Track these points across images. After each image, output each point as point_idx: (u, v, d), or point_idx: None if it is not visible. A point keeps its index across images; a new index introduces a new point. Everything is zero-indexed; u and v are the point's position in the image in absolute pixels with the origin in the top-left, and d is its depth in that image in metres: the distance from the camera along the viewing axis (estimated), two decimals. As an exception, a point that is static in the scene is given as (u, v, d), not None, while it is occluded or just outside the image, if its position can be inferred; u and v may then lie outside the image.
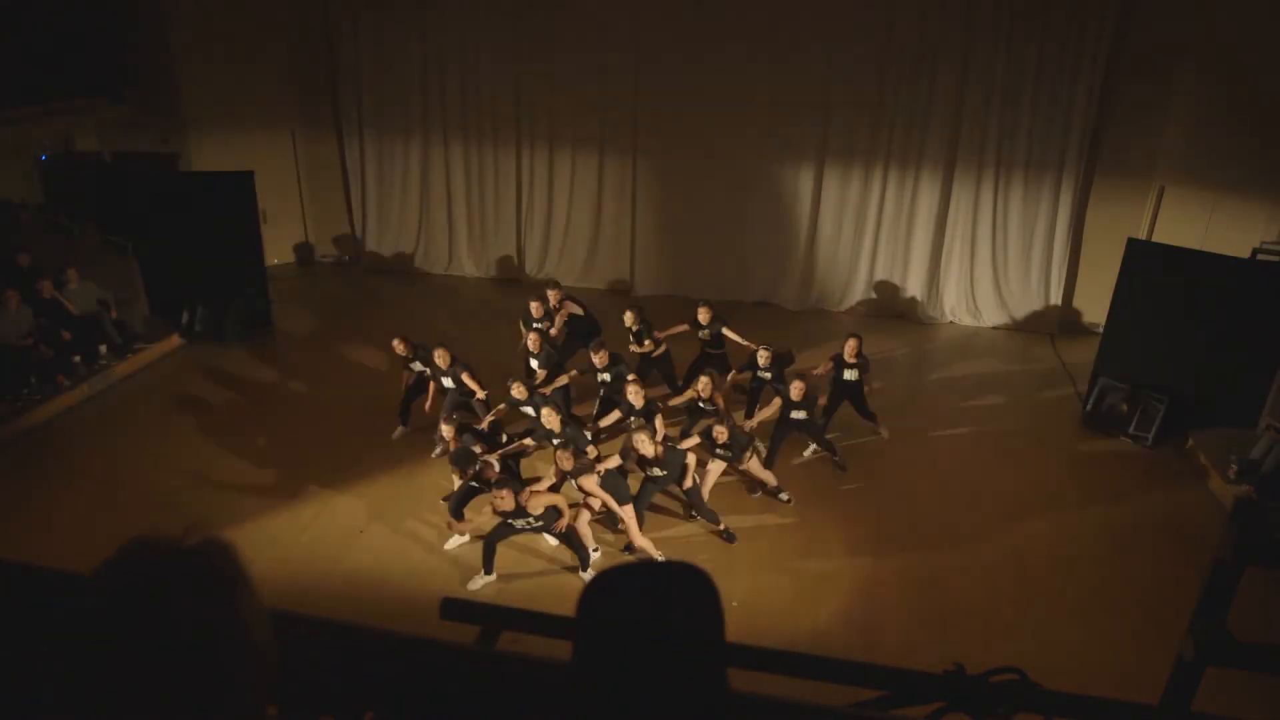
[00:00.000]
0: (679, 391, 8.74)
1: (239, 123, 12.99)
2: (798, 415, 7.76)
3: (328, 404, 9.50)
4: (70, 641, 0.93)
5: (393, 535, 7.23)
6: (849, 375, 8.36)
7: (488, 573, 6.64)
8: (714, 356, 9.05)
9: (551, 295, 9.38)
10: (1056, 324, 12.42)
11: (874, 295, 13.00)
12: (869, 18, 11.73)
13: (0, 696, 1.29)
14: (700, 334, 8.99)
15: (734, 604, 6.42)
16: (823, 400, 8.40)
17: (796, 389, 7.64)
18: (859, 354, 8.35)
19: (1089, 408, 9.56)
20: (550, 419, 7.24)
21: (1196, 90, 10.85)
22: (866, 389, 8.50)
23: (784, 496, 7.69)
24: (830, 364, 8.42)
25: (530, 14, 12.55)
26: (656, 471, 6.93)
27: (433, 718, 1.32)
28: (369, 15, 13.00)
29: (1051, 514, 7.81)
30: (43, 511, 7.36)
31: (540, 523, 6.44)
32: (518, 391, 7.79)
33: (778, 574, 6.88)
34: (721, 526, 7.23)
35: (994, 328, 12.60)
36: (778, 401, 7.79)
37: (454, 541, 7.04)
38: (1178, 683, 1.34)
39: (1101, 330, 9.98)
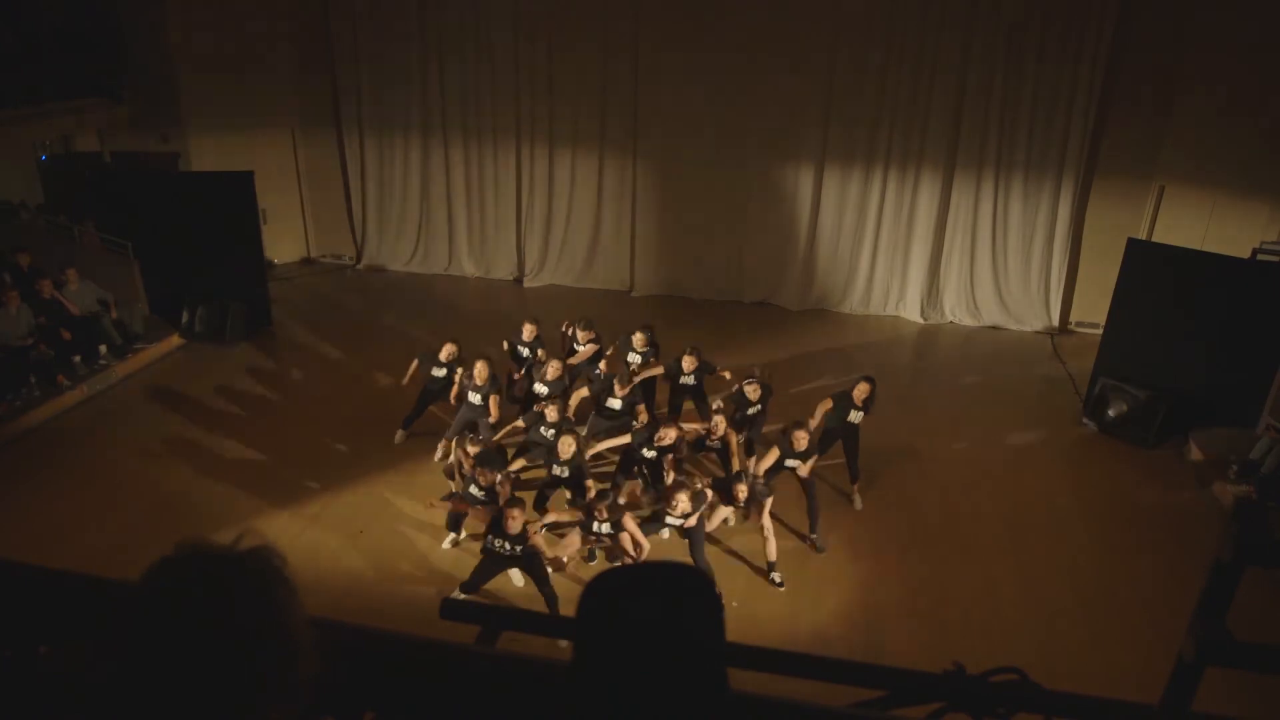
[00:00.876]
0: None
1: (239, 123, 12.99)
2: (792, 464, 7.12)
3: (328, 404, 9.50)
4: (119, 638, 0.94)
5: (393, 535, 7.23)
6: (854, 418, 7.63)
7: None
8: (691, 388, 8.34)
9: (581, 335, 8.70)
10: (1056, 324, 12.43)
11: (872, 295, 13.01)
12: (869, 19, 11.73)
13: (3, 694, 1.29)
14: (681, 379, 8.24)
15: (734, 604, 6.42)
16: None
17: (799, 439, 7.00)
18: (870, 398, 7.61)
19: (1089, 408, 9.57)
20: (566, 448, 6.87)
21: (1196, 90, 10.85)
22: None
23: (776, 579, 6.79)
24: (830, 402, 7.74)
25: (530, 15, 12.56)
26: (677, 522, 6.43)
27: (433, 718, 1.32)
28: (369, 15, 13.00)
29: (1051, 514, 7.81)
30: (43, 511, 7.36)
31: (519, 557, 6.07)
32: (552, 414, 7.30)
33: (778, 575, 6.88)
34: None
35: (994, 328, 12.61)
36: (776, 452, 7.12)
37: (450, 541, 7.02)
38: (1178, 683, 1.34)
39: (1101, 330, 9.99)
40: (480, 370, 7.80)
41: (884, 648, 6.01)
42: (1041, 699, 1.18)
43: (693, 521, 6.41)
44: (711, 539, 7.06)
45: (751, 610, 6.36)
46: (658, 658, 0.96)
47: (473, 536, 6.81)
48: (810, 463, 7.15)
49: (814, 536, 7.20)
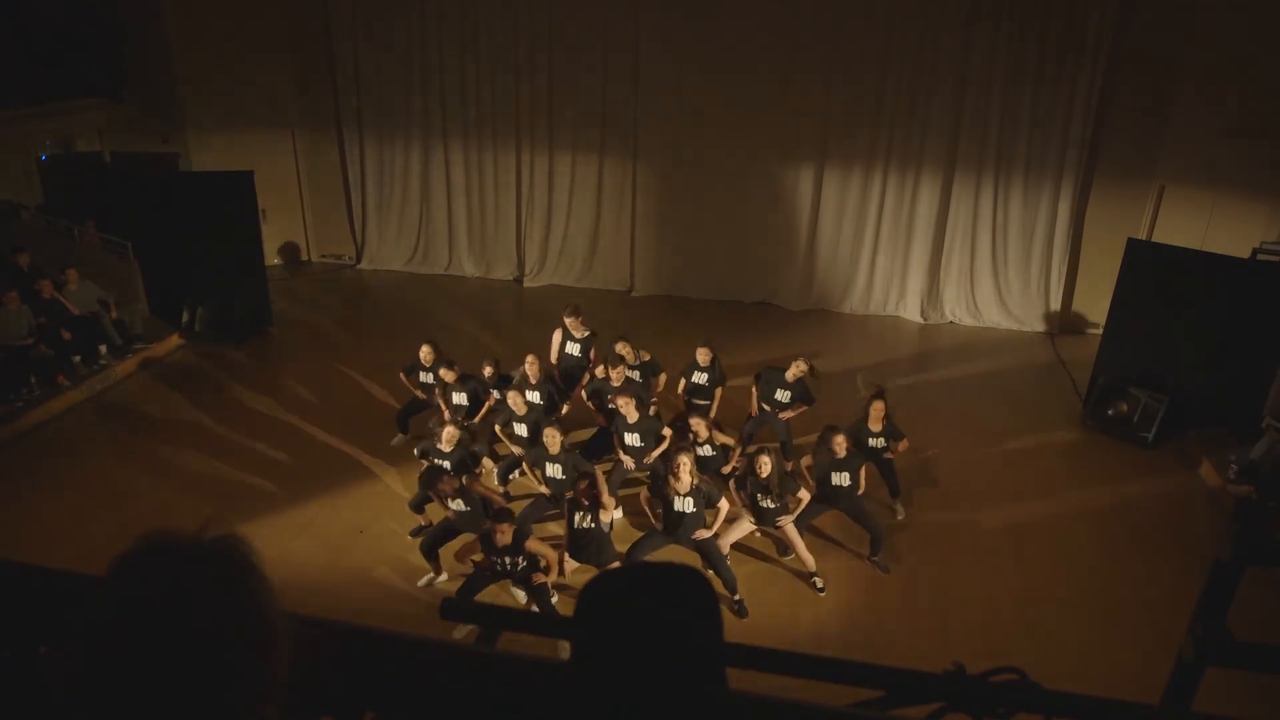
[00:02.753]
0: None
1: (239, 123, 13.00)
2: (838, 480, 6.69)
3: (327, 404, 9.50)
4: (87, 636, 0.93)
5: (393, 535, 7.23)
6: (874, 444, 7.20)
7: (436, 572, 6.52)
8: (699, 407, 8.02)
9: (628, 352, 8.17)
10: (1056, 324, 12.44)
11: (872, 295, 13.01)
12: (869, 19, 11.74)
13: (3, 694, 1.29)
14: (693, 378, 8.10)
15: (736, 599, 6.42)
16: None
17: (840, 444, 6.63)
18: (885, 419, 7.21)
19: (1089, 408, 9.56)
20: (553, 441, 6.78)
21: (1196, 90, 10.85)
22: (893, 454, 7.28)
23: (818, 583, 6.65)
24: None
25: (531, 14, 12.56)
26: (688, 506, 6.15)
27: (432, 718, 1.32)
28: (369, 15, 13.01)
29: (1051, 514, 7.81)
30: (42, 511, 7.37)
31: (523, 568, 5.79)
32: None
33: (778, 574, 6.88)
34: (736, 597, 6.33)
35: (994, 327, 12.61)
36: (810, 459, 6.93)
37: (426, 580, 6.67)
38: (1178, 683, 1.34)
39: (1101, 330, 9.99)
40: (446, 375, 7.79)
41: (884, 648, 6.01)
42: (1041, 699, 1.17)
43: (707, 532, 6.26)
44: (745, 548, 6.96)
45: (751, 610, 6.35)
46: (657, 658, 0.96)
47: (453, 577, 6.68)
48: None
49: (876, 559, 6.93)
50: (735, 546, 6.94)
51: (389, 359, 9.63)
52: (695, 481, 6.21)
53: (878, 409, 7.21)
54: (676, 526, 6.24)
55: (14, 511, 7.31)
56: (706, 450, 7.29)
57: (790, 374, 7.88)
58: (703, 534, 6.28)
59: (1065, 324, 12.52)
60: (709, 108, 12.37)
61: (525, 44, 12.75)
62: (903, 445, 7.34)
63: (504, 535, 5.69)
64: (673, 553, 6.62)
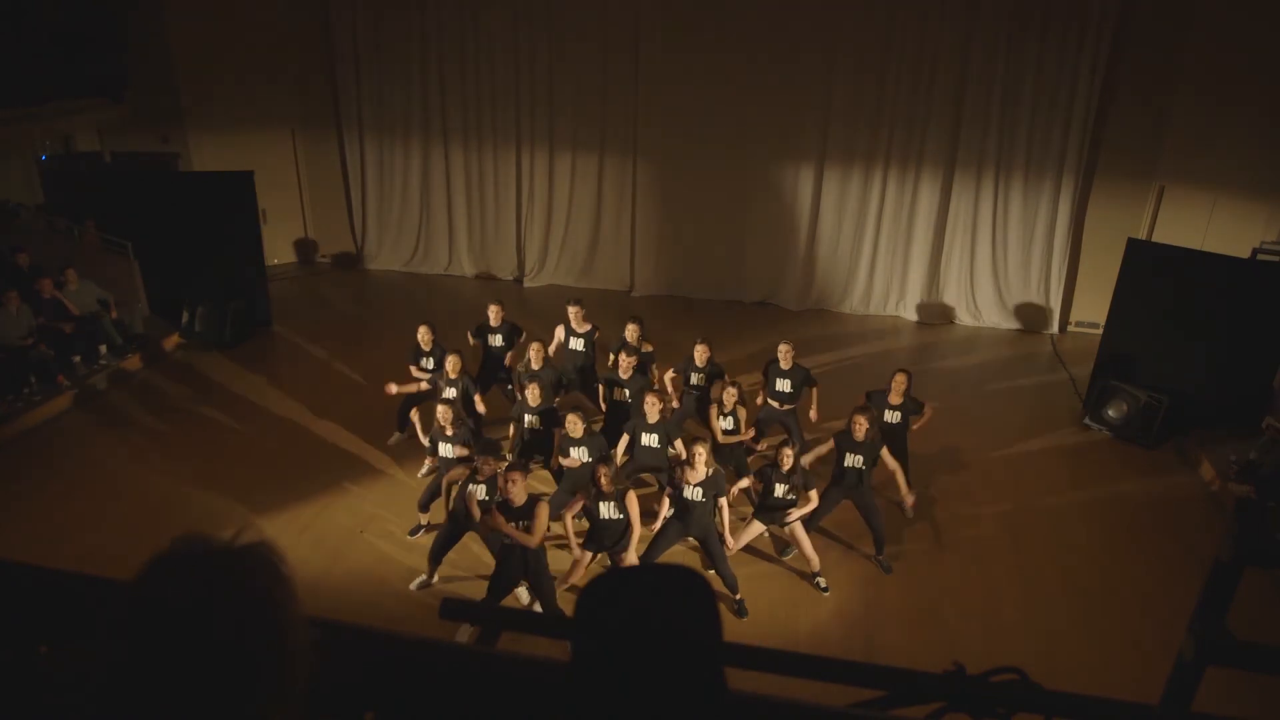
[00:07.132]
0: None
1: (239, 123, 13.00)
2: (851, 461, 6.71)
3: (327, 404, 9.49)
4: (112, 635, 0.93)
5: (393, 535, 7.23)
6: (890, 417, 7.36)
7: (430, 575, 6.49)
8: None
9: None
10: (1056, 324, 12.44)
11: (872, 295, 13.01)
12: (869, 19, 11.74)
13: (3, 695, 1.29)
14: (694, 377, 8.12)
15: (737, 598, 6.42)
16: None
17: (859, 424, 6.59)
18: (906, 394, 7.39)
19: (1089, 408, 9.57)
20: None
21: (1196, 90, 10.86)
22: (915, 425, 7.47)
23: (822, 583, 6.69)
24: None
25: (530, 14, 12.56)
26: (698, 495, 6.18)
27: (433, 718, 1.32)
28: (369, 15, 13.01)
29: (1051, 514, 7.82)
30: (42, 511, 7.36)
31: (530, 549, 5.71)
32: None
33: (778, 574, 6.88)
34: (737, 596, 6.36)
35: (994, 328, 12.61)
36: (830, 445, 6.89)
37: (418, 583, 6.62)
38: (1178, 683, 1.34)
39: (1101, 330, 9.99)
40: (453, 364, 7.71)
41: (884, 648, 6.01)
42: (1041, 699, 1.17)
43: (719, 533, 6.27)
44: (745, 547, 6.94)
45: (751, 610, 6.35)
46: (655, 658, 0.96)
47: (445, 579, 6.66)
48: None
49: (880, 558, 6.96)
50: (765, 555, 6.94)
51: (388, 359, 9.63)
52: (709, 472, 6.24)
53: (899, 382, 7.35)
54: (685, 515, 6.27)
55: (14, 511, 7.31)
56: (729, 423, 7.42)
57: (783, 362, 7.89)
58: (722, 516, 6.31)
59: (1065, 324, 12.52)
60: (709, 107, 12.37)
61: (525, 43, 12.74)
62: (926, 414, 7.50)
63: (516, 487, 5.63)
64: (674, 552, 6.65)
